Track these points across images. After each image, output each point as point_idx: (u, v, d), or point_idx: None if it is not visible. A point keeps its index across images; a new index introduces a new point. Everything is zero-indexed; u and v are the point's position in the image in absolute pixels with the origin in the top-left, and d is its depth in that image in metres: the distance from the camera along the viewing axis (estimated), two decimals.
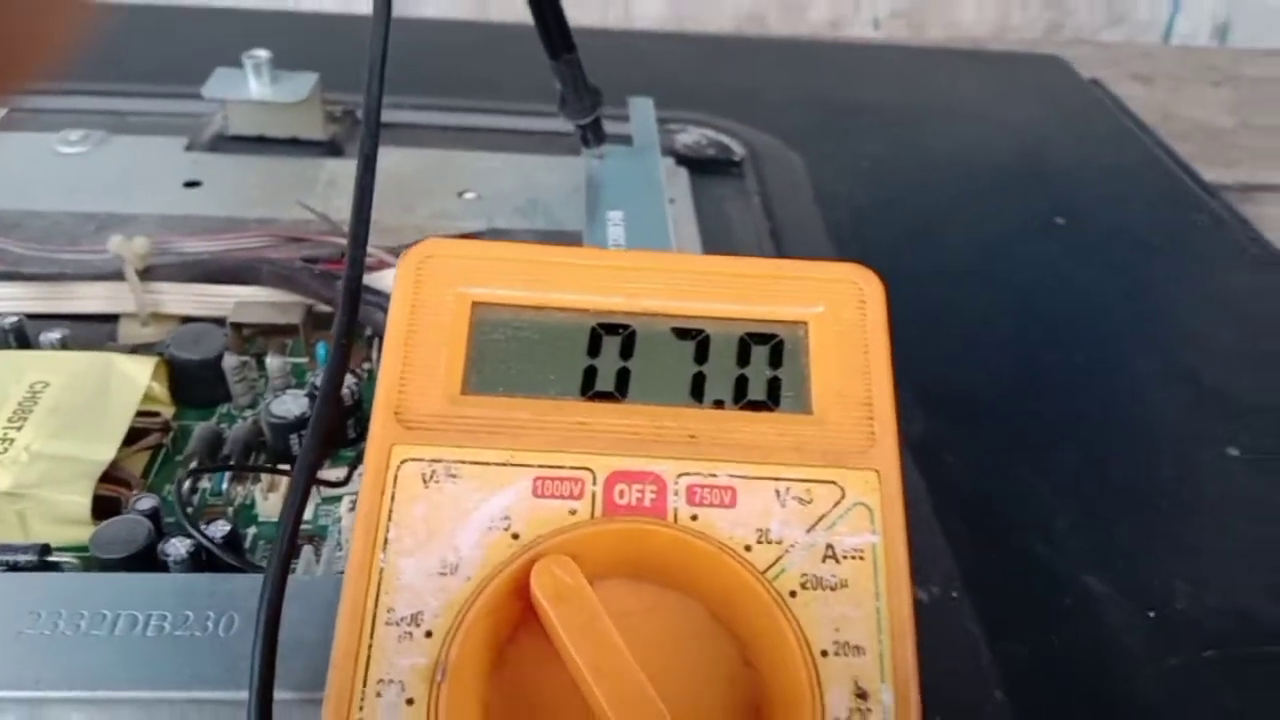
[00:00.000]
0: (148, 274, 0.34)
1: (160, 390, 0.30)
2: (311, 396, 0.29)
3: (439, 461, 0.19)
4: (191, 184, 0.43)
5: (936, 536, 0.30)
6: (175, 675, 0.20)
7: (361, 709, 0.17)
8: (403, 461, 0.19)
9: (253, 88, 0.43)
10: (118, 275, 0.35)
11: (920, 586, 0.28)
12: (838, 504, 0.19)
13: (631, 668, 0.17)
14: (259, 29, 0.63)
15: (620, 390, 0.21)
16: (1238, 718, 0.26)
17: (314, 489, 0.28)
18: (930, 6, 0.83)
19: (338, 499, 0.28)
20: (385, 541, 0.19)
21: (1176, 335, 0.41)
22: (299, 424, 0.28)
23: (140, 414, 0.29)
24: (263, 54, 0.43)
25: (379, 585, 0.18)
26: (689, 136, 0.50)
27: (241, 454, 0.29)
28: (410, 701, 0.17)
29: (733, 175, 0.49)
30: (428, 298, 0.21)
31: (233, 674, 0.20)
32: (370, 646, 0.18)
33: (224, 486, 0.28)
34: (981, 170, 0.53)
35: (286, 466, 0.28)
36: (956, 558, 0.29)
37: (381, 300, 0.32)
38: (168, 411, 0.31)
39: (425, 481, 0.19)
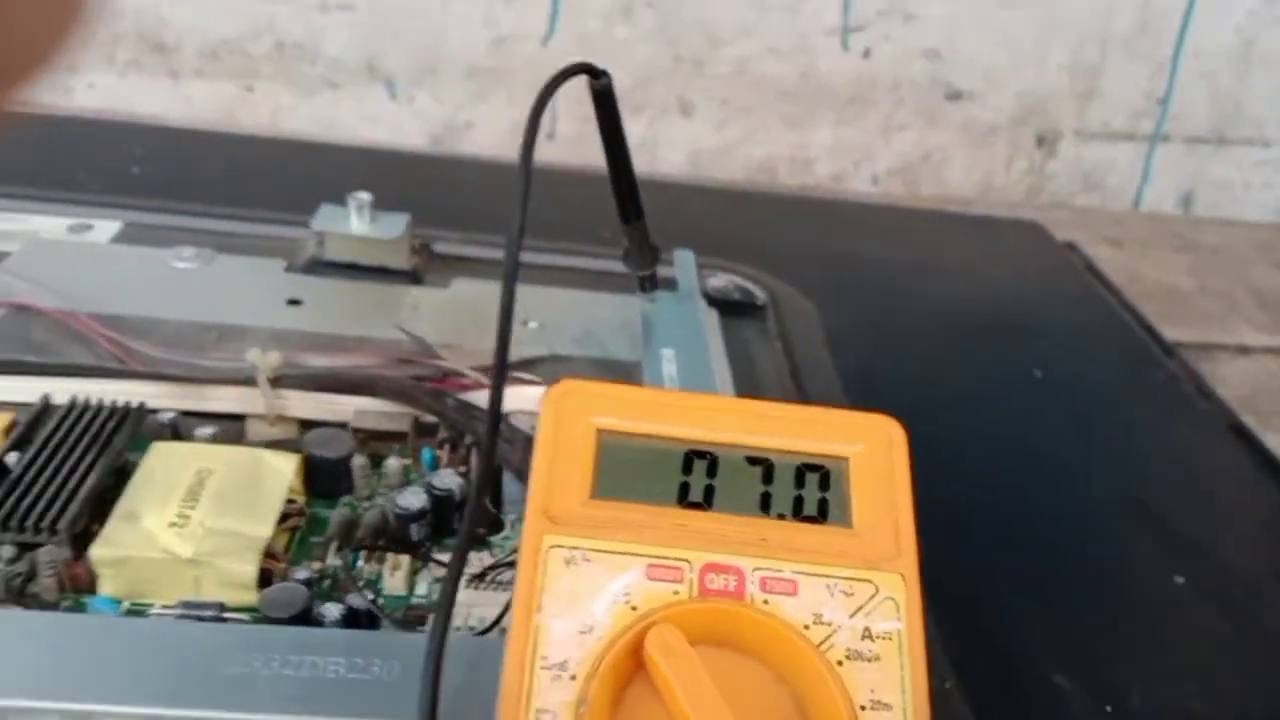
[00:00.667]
0: (277, 382, 0.41)
1: (297, 482, 0.37)
2: (428, 492, 0.35)
3: (577, 549, 0.26)
4: (293, 302, 0.50)
5: (932, 637, 0.36)
6: (362, 707, 0.26)
7: None
8: (550, 548, 0.26)
9: (354, 224, 0.51)
10: (248, 381, 0.41)
11: None
12: (873, 597, 0.26)
13: (724, 711, 0.24)
14: (333, 162, 0.71)
15: (707, 501, 0.27)
16: None
17: (430, 567, 0.34)
18: (923, 167, 0.93)
19: None
20: (540, 607, 0.25)
21: (1132, 476, 0.48)
22: (419, 515, 0.35)
23: None
24: (365, 196, 0.51)
25: (535, 640, 0.24)
26: (718, 281, 0.57)
27: (372, 537, 0.35)
28: None
29: (755, 318, 0.56)
30: (565, 425, 0.27)
31: (404, 709, 0.26)
32: (530, 686, 0.24)
33: (358, 564, 0.35)
34: (968, 323, 0.61)
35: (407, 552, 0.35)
36: (949, 655, 0.35)
37: (478, 413, 0.39)
38: (301, 499, 0.37)
39: (567, 564, 0.25)
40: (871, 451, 0.28)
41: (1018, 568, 0.41)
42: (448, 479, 0.36)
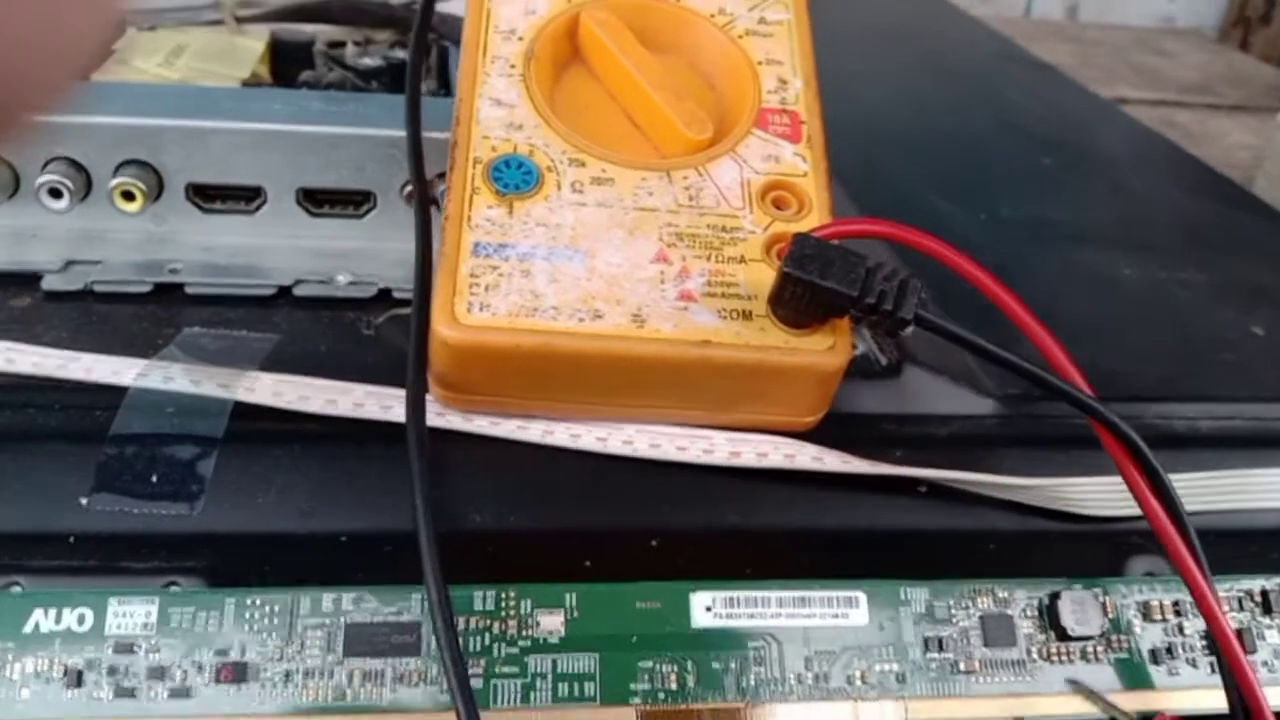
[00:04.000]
0: (241, 20, 0.45)
1: (263, 68, 0.41)
2: (384, 59, 0.40)
3: None
4: None
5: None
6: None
7: (488, 73, 0.28)
8: None
9: None
10: (214, 21, 0.45)
11: None
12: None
13: (660, 70, 0.29)
14: None
15: None
16: None
17: None
18: None
19: None
20: None
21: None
22: (376, 73, 0.40)
23: None
24: None
25: (488, 18, 0.29)
26: None
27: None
28: (513, 67, 0.28)
29: None
30: None
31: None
32: (486, 42, 0.29)
33: None
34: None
35: None
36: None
37: None
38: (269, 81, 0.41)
39: None
40: None
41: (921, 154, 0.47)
42: (401, 53, 0.41)
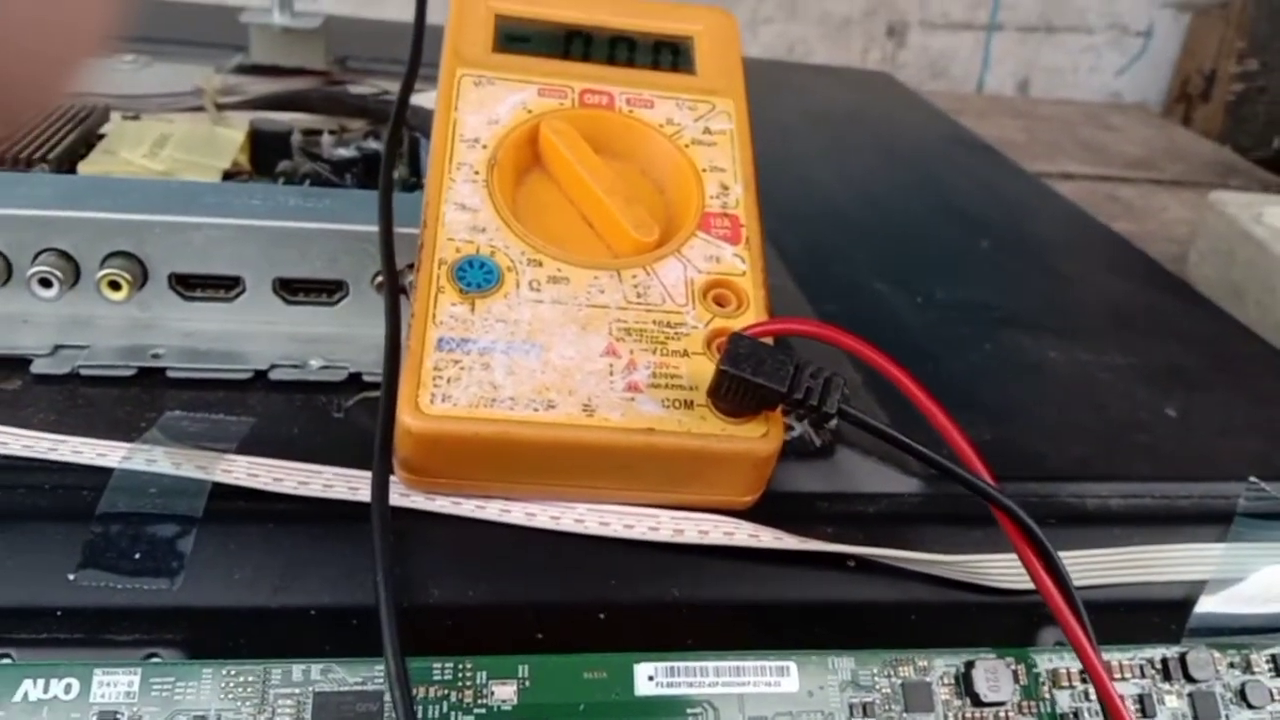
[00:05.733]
0: (222, 107, 0.48)
1: (243, 157, 0.43)
2: (358, 150, 0.43)
3: (483, 76, 0.33)
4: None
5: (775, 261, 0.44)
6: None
7: (453, 179, 0.31)
8: (462, 76, 0.33)
9: (275, 15, 0.57)
10: (195, 108, 0.48)
11: None
12: (712, 109, 0.34)
13: (613, 176, 0.31)
14: None
15: (585, 57, 0.35)
16: None
17: None
18: (789, 59, 1.02)
19: None
20: (456, 108, 0.32)
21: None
22: (350, 164, 0.42)
23: None
24: None
25: (454, 128, 0.32)
26: None
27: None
28: (477, 173, 0.31)
29: None
30: (469, 9, 0.35)
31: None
32: (452, 150, 0.31)
33: None
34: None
35: None
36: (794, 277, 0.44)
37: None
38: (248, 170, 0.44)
39: (475, 85, 0.33)
40: (711, 30, 0.36)
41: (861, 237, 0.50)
42: (375, 144, 0.43)
